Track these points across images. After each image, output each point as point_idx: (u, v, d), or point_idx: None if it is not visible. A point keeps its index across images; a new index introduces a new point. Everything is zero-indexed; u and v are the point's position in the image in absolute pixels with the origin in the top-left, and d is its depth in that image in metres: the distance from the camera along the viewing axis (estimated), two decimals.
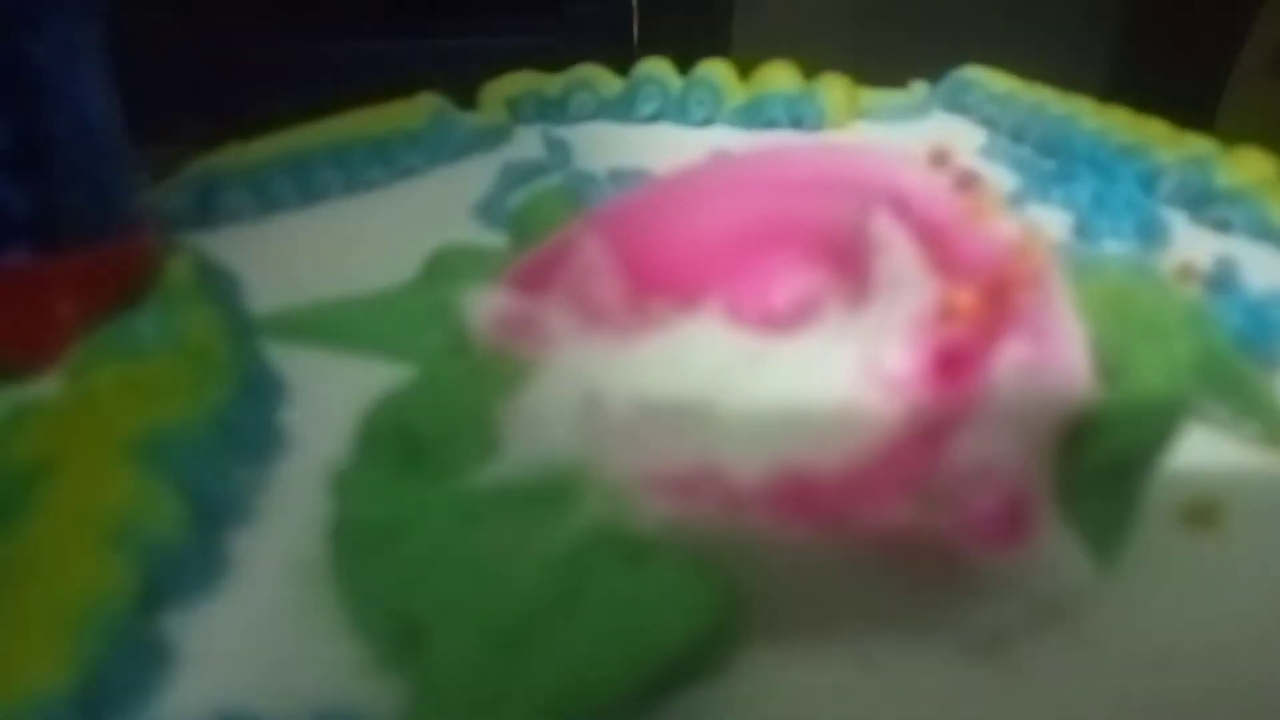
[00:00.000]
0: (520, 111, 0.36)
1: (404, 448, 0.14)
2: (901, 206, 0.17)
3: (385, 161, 0.30)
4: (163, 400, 0.16)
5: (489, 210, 0.28)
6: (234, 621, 0.14)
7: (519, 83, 0.36)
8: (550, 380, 0.14)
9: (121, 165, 0.19)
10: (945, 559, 0.12)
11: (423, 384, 0.16)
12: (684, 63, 0.37)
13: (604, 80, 0.36)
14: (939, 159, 0.19)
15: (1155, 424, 0.14)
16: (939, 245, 0.17)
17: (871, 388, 0.14)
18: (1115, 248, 0.26)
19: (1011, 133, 0.34)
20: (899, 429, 0.13)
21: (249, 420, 0.17)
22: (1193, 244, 0.26)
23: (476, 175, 0.31)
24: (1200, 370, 0.16)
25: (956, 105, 0.37)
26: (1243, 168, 0.28)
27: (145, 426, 0.16)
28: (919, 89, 0.37)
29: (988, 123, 0.35)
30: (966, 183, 0.19)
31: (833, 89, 0.35)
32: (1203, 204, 0.27)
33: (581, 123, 0.35)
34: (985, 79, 0.36)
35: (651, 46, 0.42)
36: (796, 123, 0.35)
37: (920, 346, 0.14)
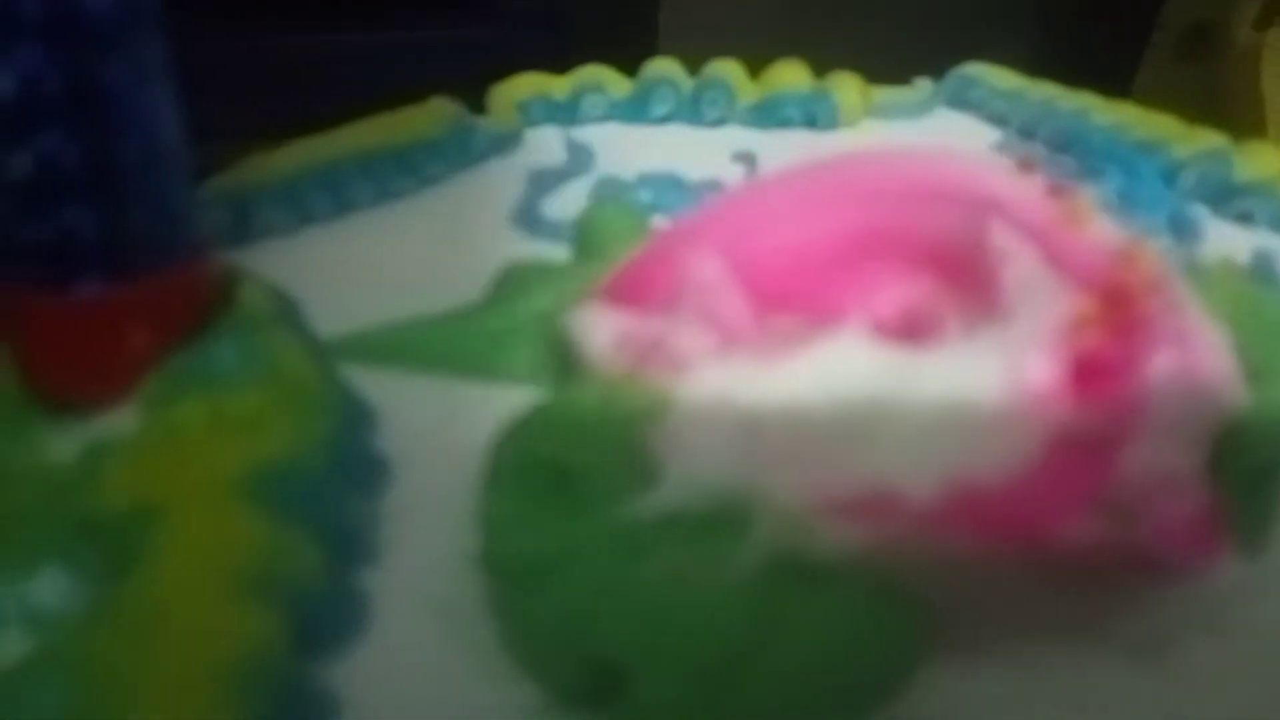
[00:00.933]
0: (529, 114, 0.35)
1: (548, 478, 0.14)
2: (1002, 213, 0.18)
3: (411, 171, 0.29)
4: (265, 434, 0.16)
5: (526, 218, 0.28)
6: (385, 666, 0.13)
7: (526, 85, 0.36)
8: (698, 404, 0.14)
9: (189, 187, 0.18)
10: (1137, 571, 0.12)
11: (555, 411, 0.15)
12: (613, 53, 0.37)
13: (613, 81, 0.36)
14: (1027, 165, 0.19)
15: None
16: (1048, 252, 0.17)
17: (1018, 399, 0.14)
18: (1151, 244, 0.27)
19: (1021, 129, 0.34)
20: (1057, 441, 0.13)
21: (356, 451, 0.16)
22: (1223, 238, 0.27)
23: (500, 181, 0.31)
24: None
25: (960, 102, 0.37)
26: (1259, 161, 0.29)
27: (255, 463, 0.15)
28: (923, 86, 0.37)
29: (996, 119, 0.35)
30: (1059, 189, 0.19)
31: (846, 87, 0.35)
32: (1225, 198, 0.28)
33: (592, 124, 0.35)
34: (989, 75, 0.37)
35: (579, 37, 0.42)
36: (810, 121, 0.35)
37: (1059, 356, 0.14)
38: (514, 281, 0.21)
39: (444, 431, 0.18)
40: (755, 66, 0.36)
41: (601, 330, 0.16)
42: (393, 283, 0.24)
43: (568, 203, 0.29)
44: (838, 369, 0.14)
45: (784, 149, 0.34)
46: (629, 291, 0.17)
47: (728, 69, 0.36)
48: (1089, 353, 0.15)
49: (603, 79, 0.36)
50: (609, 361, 0.15)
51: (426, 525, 0.16)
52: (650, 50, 0.37)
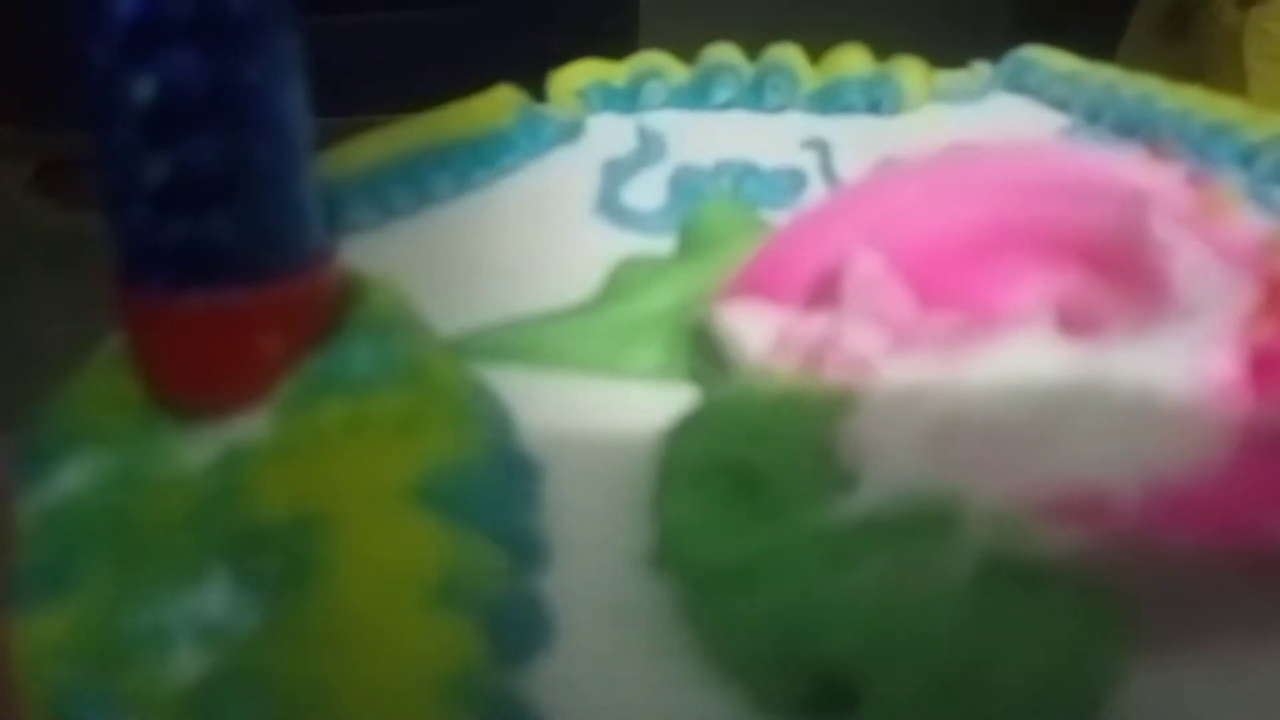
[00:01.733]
0: (589, 102, 0.35)
1: (733, 480, 0.14)
2: (1151, 205, 0.17)
3: (486, 161, 0.28)
4: (425, 437, 0.16)
5: (609, 207, 0.28)
6: (575, 674, 0.13)
7: (584, 72, 0.35)
8: (885, 405, 0.14)
9: (317, 188, 0.18)
10: None
11: (731, 410, 0.15)
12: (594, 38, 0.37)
13: (670, 68, 0.36)
14: (1162, 155, 0.19)
15: None
16: (1205, 242, 0.17)
17: (1205, 394, 0.14)
18: None
19: (1087, 113, 0.34)
20: (1247, 436, 0.13)
21: (513, 452, 0.16)
22: None
23: (574, 170, 0.30)
24: None
25: (1018, 86, 0.37)
26: None
27: (422, 468, 0.15)
28: (981, 69, 0.37)
29: (1056, 104, 0.35)
30: (1197, 177, 0.19)
31: (909, 71, 0.35)
32: None
33: (653, 111, 0.35)
34: (1046, 58, 0.37)
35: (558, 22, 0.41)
36: (874, 106, 0.34)
37: (1238, 350, 0.14)
38: (629, 278, 0.21)
39: (584, 430, 0.18)
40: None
41: (758, 327, 0.16)
42: (485, 277, 0.24)
43: (648, 191, 0.29)
44: (1026, 366, 0.14)
45: (848, 134, 0.33)
46: (774, 286, 0.17)
47: (788, 54, 0.36)
48: (1265, 345, 0.15)
49: (661, 65, 0.36)
50: (771, 359, 0.15)
51: (587, 527, 0.15)
52: (631, 31, 0.37)
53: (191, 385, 0.18)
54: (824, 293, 0.16)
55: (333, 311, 0.18)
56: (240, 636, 0.14)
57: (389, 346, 0.17)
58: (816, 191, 0.28)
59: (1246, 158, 0.30)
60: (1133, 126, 0.33)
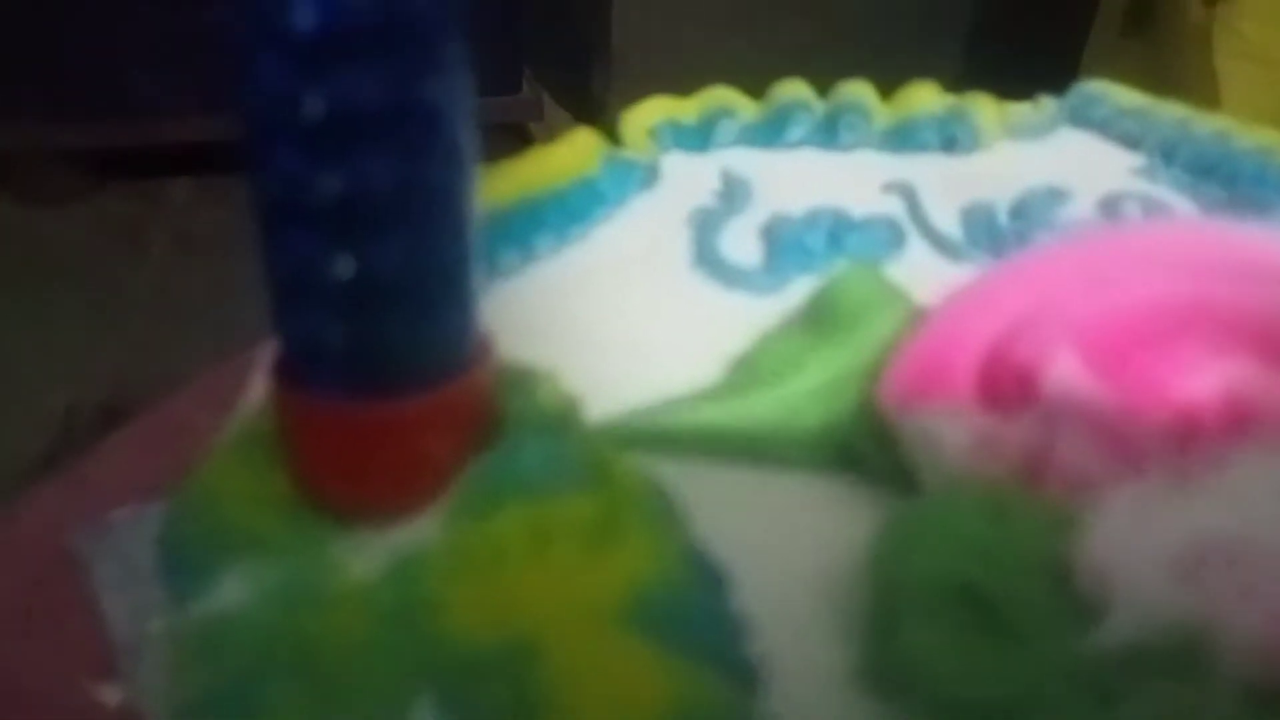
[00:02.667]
0: (661, 140, 0.34)
1: (968, 606, 0.13)
2: None
3: (578, 215, 0.28)
4: (626, 551, 0.15)
5: (708, 261, 0.27)
6: None
7: (655, 110, 0.35)
8: (1120, 527, 0.13)
9: (482, 284, 0.17)
10: None
11: (951, 526, 0.15)
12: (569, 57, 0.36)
13: (741, 105, 0.35)
14: None
15: None
16: None
17: None
18: None
19: (1159, 149, 0.34)
20: None
21: (707, 561, 0.16)
22: None
23: (661, 219, 0.30)
24: None
25: (1084, 120, 0.37)
26: None
27: (632, 588, 0.15)
28: (1046, 104, 0.37)
29: (1126, 140, 0.35)
30: None
31: (983, 108, 0.34)
32: None
33: (725, 149, 0.34)
34: (1112, 93, 0.37)
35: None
36: (949, 144, 0.34)
37: None
38: (773, 358, 0.21)
39: (763, 531, 0.17)
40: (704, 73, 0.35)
41: (956, 429, 0.15)
42: (602, 342, 0.24)
43: (743, 243, 0.28)
44: (1260, 483, 0.14)
45: (927, 174, 0.33)
46: (944, 377, 0.16)
47: (860, 91, 0.35)
48: None
49: (731, 102, 0.35)
50: (975, 466, 0.15)
51: (793, 645, 0.15)
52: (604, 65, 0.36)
53: (356, 490, 0.17)
54: (1015, 391, 0.16)
55: (498, 409, 0.18)
56: None
57: (559, 445, 0.17)
58: (915, 243, 0.28)
59: None
60: (1210, 166, 0.33)
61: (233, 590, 0.17)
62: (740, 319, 0.25)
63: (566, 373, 0.22)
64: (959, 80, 0.36)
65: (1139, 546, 0.13)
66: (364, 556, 0.17)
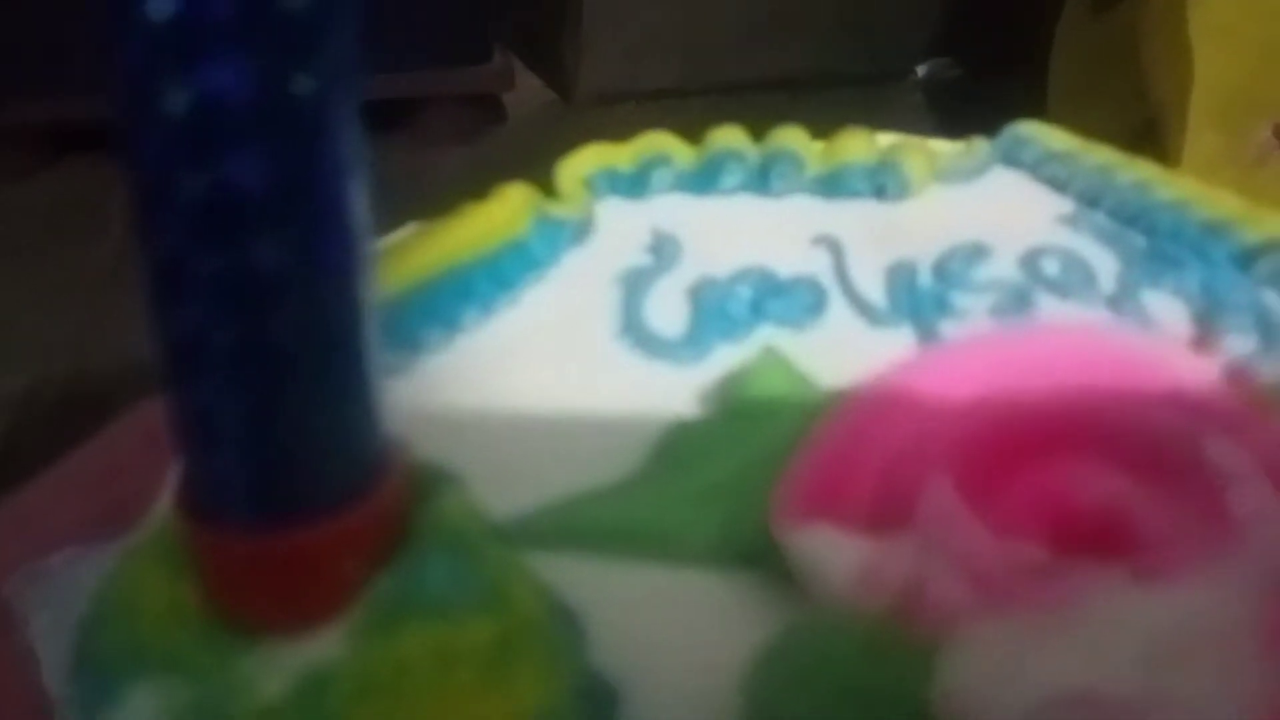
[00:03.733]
0: (596, 189, 0.34)
1: None
2: (1197, 403, 0.18)
3: (504, 282, 0.28)
4: (516, 682, 0.16)
5: (634, 331, 0.28)
6: None
7: (590, 159, 0.35)
8: (981, 673, 0.14)
9: (383, 392, 0.18)
10: None
11: (822, 660, 0.15)
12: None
13: (677, 151, 0.35)
14: (1205, 344, 0.19)
15: None
16: (1252, 444, 0.18)
17: (1264, 644, 0.14)
18: (1238, 344, 0.28)
19: (1083, 195, 0.35)
20: None
21: (595, 684, 0.16)
22: None
23: (590, 281, 0.30)
24: None
25: (1015, 161, 0.37)
26: None
27: (520, 718, 0.15)
28: (978, 147, 0.37)
29: (1052, 183, 0.36)
30: (1239, 371, 0.19)
31: (913, 157, 0.35)
32: None
33: (660, 195, 0.35)
34: (1042, 136, 0.37)
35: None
36: (879, 191, 0.35)
37: None
38: (682, 446, 0.21)
39: (655, 642, 0.18)
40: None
41: (842, 556, 0.16)
42: (522, 422, 0.24)
43: (669, 308, 0.29)
44: (1115, 624, 0.14)
45: (857, 223, 0.34)
46: (839, 497, 0.17)
47: (794, 138, 0.36)
48: None
49: (668, 149, 0.36)
50: (856, 594, 0.16)
51: None
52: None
53: (263, 609, 0.17)
54: (897, 515, 0.16)
55: (406, 522, 0.18)
56: None
57: (466, 563, 0.17)
58: (837, 308, 0.29)
59: (1243, 260, 0.31)
60: (1131, 216, 0.33)
61: (142, 707, 0.17)
62: (662, 392, 0.25)
63: (483, 460, 0.22)
64: (930, 50, 0.37)
65: (995, 694, 0.14)
66: (272, 673, 0.17)
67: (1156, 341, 0.20)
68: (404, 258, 0.28)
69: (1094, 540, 0.17)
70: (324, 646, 0.17)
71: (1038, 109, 0.46)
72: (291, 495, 0.16)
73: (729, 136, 0.36)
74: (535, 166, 0.59)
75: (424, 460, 0.21)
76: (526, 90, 0.63)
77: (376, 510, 0.17)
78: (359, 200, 0.16)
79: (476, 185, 0.55)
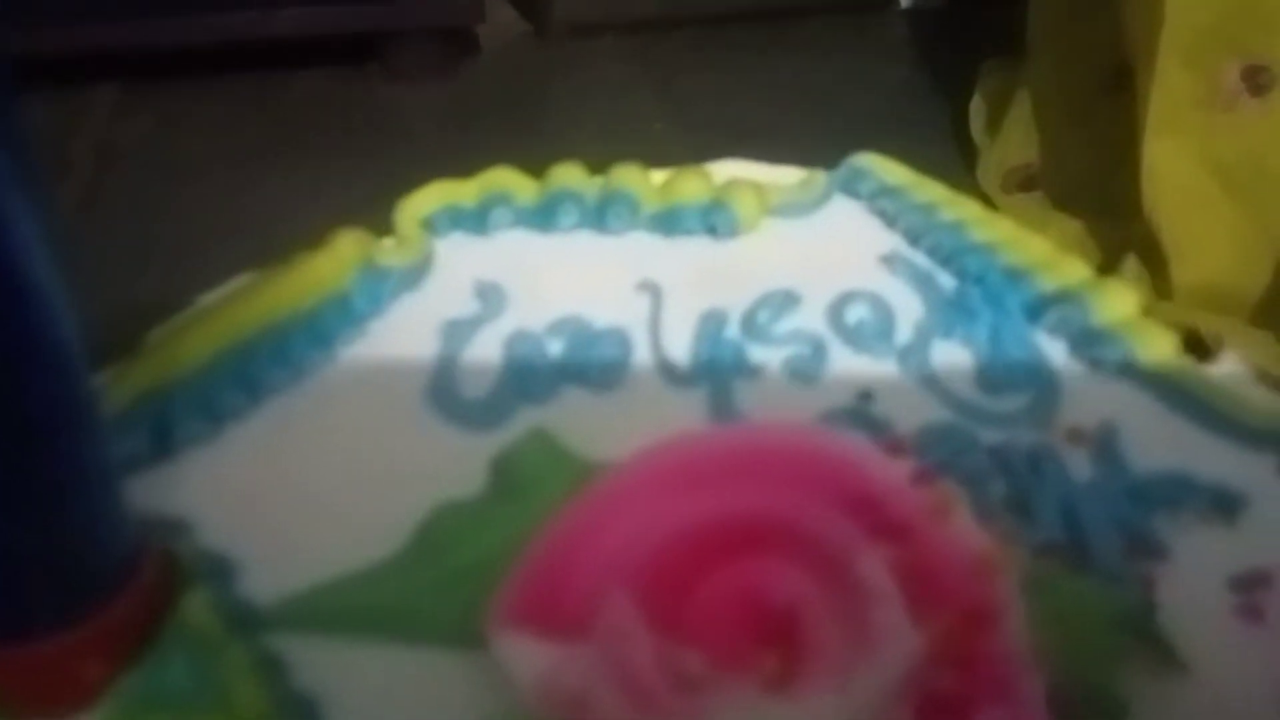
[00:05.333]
0: (437, 227, 0.35)
1: None
2: (875, 502, 0.20)
3: (321, 341, 0.29)
4: None
5: (439, 396, 0.29)
6: None
7: (431, 197, 0.36)
8: None
9: (123, 504, 0.19)
10: None
11: None
12: None
13: (519, 188, 0.36)
14: (896, 449, 0.21)
15: None
16: (909, 547, 0.19)
17: None
18: (1013, 401, 0.29)
19: (906, 234, 0.36)
20: None
21: None
22: (1078, 393, 0.30)
23: (411, 335, 0.31)
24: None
25: (852, 192, 0.39)
26: (1113, 303, 0.31)
27: None
28: (818, 179, 0.39)
29: (883, 217, 0.37)
30: (924, 477, 0.21)
31: (743, 197, 0.36)
32: (1081, 342, 0.31)
33: (502, 231, 0.36)
34: (878, 168, 0.38)
35: None
36: (711, 230, 0.36)
37: (908, 701, 0.17)
38: (439, 529, 0.23)
39: (388, 712, 0.20)
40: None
41: (529, 663, 0.18)
42: (315, 494, 0.25)
43: (480, 366, 0.30)
44: None
45: (686, 261, 0.35)
46: (542, 614, 0.19)
47: (632, 178, 0.37)
48: (937, 691, 0.17)
49: (510, 186, 0.36)
50: (539, 699, 0.18)
51: None
52: None
53: (21, 703, 0.19)
54: (584, 626, 0.18)
55: (152, 621, 0.20)
56: None
57: (201, 663, 0.19)
58: (641, 366, 0.30)
59: (1035, 309, 0.32)
60: (945, 258, 0.35)
61: None
62: (459, 460, 0.26)
63: (266, 537, 0.24)
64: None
65: None
66: None
67: (856, 446, 0.22)
68: (221, 317, 0.29)
69: (777, 636, 0.19)
70: None
71: (1019, 41, 0.47)
72: (23, 613, 0.18)
73: (568, 175, 0.37)
74: (510, 101, 0.59)
75: (191, 550, 0.22)
76: (499, 23, 0.63)
77: (115, 618, 0.19)
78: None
79: (452, 120, 0.55)
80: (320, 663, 0.21)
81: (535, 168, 0.37)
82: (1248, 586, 0.24)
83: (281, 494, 0.25)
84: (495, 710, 0.19)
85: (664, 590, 0.19)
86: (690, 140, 0.52)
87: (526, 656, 0.18)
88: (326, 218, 0.35)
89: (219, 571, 0.22)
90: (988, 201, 0.44)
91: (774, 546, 0.19)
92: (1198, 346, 0.34)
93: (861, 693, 0.17)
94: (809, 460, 0.21)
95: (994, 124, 0.49)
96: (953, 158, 0.49)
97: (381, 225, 0.35)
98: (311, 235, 0.33)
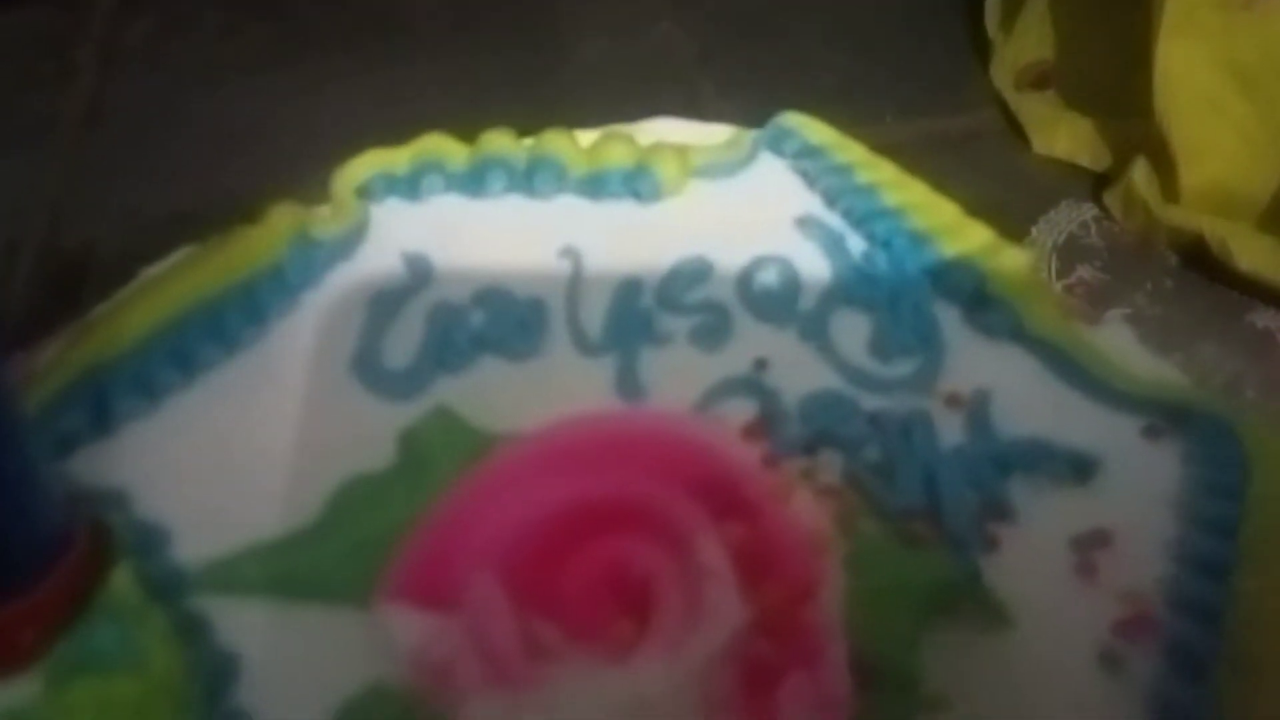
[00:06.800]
0: (372, 193, 0.37)
1: None
2: (727, 484, 0.22)
3: (254, 315, 0.31)
4: None
5: (363, 366, 0.31)
6: None
7: (365, 164, 0.37)
8: None
9: (54, 485, 0.22)
10: None
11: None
12: None
13: (451, 153, 0.38)
14: (752, 434, 0.23)
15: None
16: (752, 525, 0.22)
17: (699, 714, 0.19)
18: (900, 367, 0.31)
19: (824, 195, 0.37)
20: None
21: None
22: (964, 359, 0.31)
23: (340, 308, 0.33)
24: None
25: (779, 151, 0.40)
26: (1006, 269, 0.33)
27: None
28: (744, 139, 0.40)
29: (804, 176, 0.38)
30: (773, 459, 0.23)
31: (666, 160, 0.37)
32: (973, 307, 0.33)
33: (435, 197, 0.37)
34: (802, 128, 0.39)
35: None
36: (635, 194, 0.37)
37: (733, 666, 0.20)
38: (349, 499, 0.25)
39: (297, 669, 0.22)
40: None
41: (406, 633, 0.21)
42: (244, 464, 0.28)
43: (405, 338, 0.32)
44: (585, 694, 0.19)
45: (610, 226, 0.37)
46: (424, 588, 0.21)
47: (559, 143, 0.38)
48: (756, 659, 0.20)
49: (442, 152, 0.38)
50: (413, 666, 0.20)
51: None
52: None
53: None
54: (458, 601, 0.21)
55: (83, 593, 0.22)
56: None
57: (125, 631, 0.22)
58: (556, 335, 0.32)
59: (935, 274, 0.34)
60: (857, 221, 0.36)
61: None
62: (381, 428, 0.29)
63: (197, 506, 0.26)
64: None
65: None
66: None
67: (716, 432, 0.24)
68: (158, 293, 0.31)
69: (632, 608, 0.22)
70: (18, 691, 0.22)
71: None
72: None
73: (497, 142, 0.38)
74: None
75: (125, 521, 0.25)
76: None
77: (48, 591, 0.22)
78: None
79: (457, 18, 0.54)
80: (238, 624, 0.24)
81: (540, 71, 0.37)
82: (1087, 546, 0.26)
83: (212, 466, 0.28)
84: (390, 670, 0.21)
85: (531, 568, 0.21)
86: (695, 40, 0.51)
87: (405, 627, 0.21)
88: (335, 120, 0.35)
89: (150, 541, 0.25)
90: (1001, 105, 0.44)
91: (633, 526, 0.22)
92: (1202, 253, 0.36)
93: (689, 661, 0.20)
94: (672, 446, 0.23)
95: (1009, 20, 0.48)
96: (966, 54, 0.48)
97: (389, 129, 0.36)
98: (321, 139, 0.33)
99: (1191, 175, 0.39)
